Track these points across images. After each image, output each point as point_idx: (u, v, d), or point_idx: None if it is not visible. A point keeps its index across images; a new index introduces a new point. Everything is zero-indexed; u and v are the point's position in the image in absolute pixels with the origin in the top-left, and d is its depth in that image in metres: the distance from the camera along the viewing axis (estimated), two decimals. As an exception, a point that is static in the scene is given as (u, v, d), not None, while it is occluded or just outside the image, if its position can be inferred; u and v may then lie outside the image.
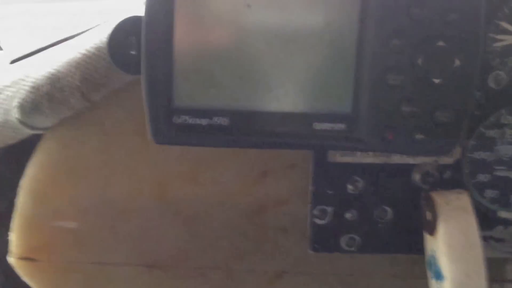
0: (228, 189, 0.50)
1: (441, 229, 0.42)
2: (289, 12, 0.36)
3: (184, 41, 0.36)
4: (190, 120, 0.37)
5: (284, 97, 0.37)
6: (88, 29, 0.48)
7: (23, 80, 0.47)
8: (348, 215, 0.48)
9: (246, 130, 0.38)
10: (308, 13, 0.36)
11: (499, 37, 0.47)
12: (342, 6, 0.36)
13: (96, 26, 0.48)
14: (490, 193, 0.49)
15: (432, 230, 0.43)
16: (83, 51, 0.44)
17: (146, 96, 0.36)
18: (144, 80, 0.36)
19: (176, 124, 0.37)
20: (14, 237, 0.48)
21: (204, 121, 0.37)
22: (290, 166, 0.49)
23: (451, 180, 0.48)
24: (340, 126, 0.37)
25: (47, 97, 0.44)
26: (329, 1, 0.36)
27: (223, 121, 0.37)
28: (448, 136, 0.37)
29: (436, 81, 0.36)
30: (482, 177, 0.49)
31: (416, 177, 0.48)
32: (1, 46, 0.56)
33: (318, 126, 0.37)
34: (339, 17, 0.36)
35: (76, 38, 0.48)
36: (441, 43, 0.35)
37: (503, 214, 0.50)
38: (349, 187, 0.48)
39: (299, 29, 0.36)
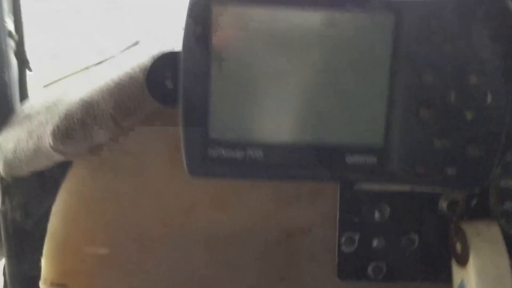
0: (255, 215, 0.50)
1: (473, 260, 0.42)
2: (323, 47, 0.37)
3: (221, 76, 0.37)
4: (225, 153, 0.38)
5: (317, 130, 0.38)
6: (110, 58, 0.49)
7: (56, 106, 0.48)
8: (375, 243, 0.49)
9: (280, 162, 0.38)
10: (341, 49, 0.37)
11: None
12: (375, 41, 0.37)
13: (125, 49, 0.49)
14: None
15: (463, 261, 0.43)
16: (116, 79, 0.45)
17: (182, 129, 0.37)
18: (181, 114, 0.37)
19: (211, 157, 0.38)
20: (45, 263, 0.49)
21: (238, 154, 0.38)
22: (317, 193, 0.50)
23: (477, 208, 0.48)
24: (372, 159, 0.38)
25: (80, 124, 0.45)
26: (361, 36, 0.37)
27: (257, 153, 0.38)
28: (480, 171, 0.37)
29: (469, 116, 0.36)
30: (509, 206, 0.49)
31: (443, 205, 0.48)
32: (30, 67, 0.57)
33: (350, 158, 0.38)
34: (372, 52, 0.37)
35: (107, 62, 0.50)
36: (473, 79, 0.36)
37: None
38: (376, 214, 0.48)
39: (332, 64, 0.37)
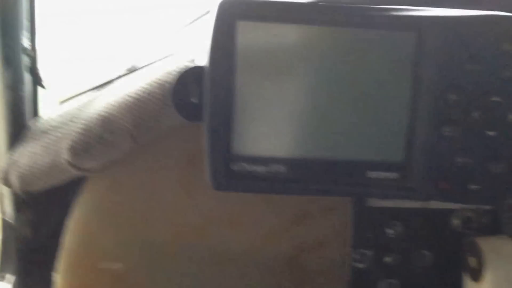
0: (267, 231, 0.50)
1: (488, 276, 0.43)
2: (347, 64, 0.38)
3: (245, 91, 0.38)
4: (248, 167, 0.38)
5: (339, 145, 0.38)
6: (124, 74, 0.49)
7: (73, 121, 0.48)
8: (387, 259, 0.49)
9: (302, 177, 0.39)
10: (364, 66, 0.38)
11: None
12: (397, 59, 0.38)
13: (141, 68, 0.50)
14: None
15: (477, 277, 0.44)
16: (134, 94, 0.45)
17: (207, 143, 0.38)
18: (206, 128, 0.38)
19: (234, 171, 0.38)
20: (60, 278, 0.48)
21: (261, 169, 0.38)
22: (329, 209, 0.50)
23: (490, 224, 0.49)
24: (393, 175, 0.39)
25: (98, 140, 0.45)
26: (384, 53, 0.37)
27: (280, 168, 0.38)
28: (502, 187, 0.38)
29: (490, 133, 0.37)
30: None
31: (455, 222, 0.49)
32: (44, 85, 0.57)
33: (371, 174, 0.39)
34: (394, 69, 0.38)
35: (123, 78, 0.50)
36: (495, 98, 0.37)
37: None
38: (388, 231, 0.49)
39: (355, 81, 0.38)
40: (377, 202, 0.48)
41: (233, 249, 0.51)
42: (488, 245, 0.44)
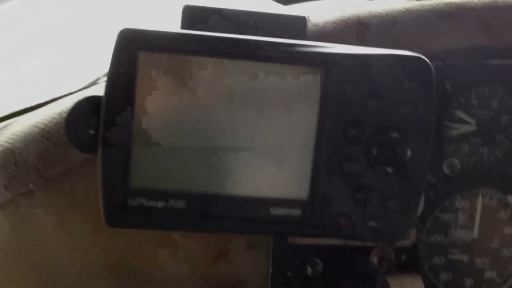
0: (187, 269, 0.48)
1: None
2: (249, 99, 0.37)
3: (144, 123, 0.36)
4: (146, 203, 0.37)
5: (241, 181, 0.37)
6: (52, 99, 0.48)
7: None
8: None
9: (203, 214, 0.37)
10: (267, 102, 0.37)
11: (454, 125, 0.49)
12: (302, 94, 0.37)
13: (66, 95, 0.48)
14: (444, 276, 0.50)
15: None
16: (41, 125, 0.43)
17: (100, 176, 0.36)
18: (100, 160, 0.36)
19: (131, 207, 0.37)
20: None
21: (160, 204, 0.37)
22: (250, 247, 0.49)
23: (407, 263, 0.48)
24: (297, 211, 0.38)
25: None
26: (288, 89, 0.37)
27: (179, 204, 0.37)
28: (400, 224, 0.37)
29: (389, 170, 0.37)
30: (437, 260, 0.50)
31: (374, 259, 0.48)
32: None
33: (274, 211, 0.37)
34: (298, 105, 0.37)
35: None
36: (394, 135, 0.37)
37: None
38: (309, 269, 0.47)
39: (258, 116, 0.37)
40: (297, 240, 0.47)
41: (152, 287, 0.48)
42: (397, 283, 0.43)
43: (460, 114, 0.49)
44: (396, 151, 0.37)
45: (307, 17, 0.41)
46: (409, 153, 0.37)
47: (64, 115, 0.43)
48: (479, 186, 0.50)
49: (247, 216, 0.37)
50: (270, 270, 0.47)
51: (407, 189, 0.37)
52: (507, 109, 0.49)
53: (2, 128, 0.46)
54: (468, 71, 0.48)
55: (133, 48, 0.36)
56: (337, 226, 0.37)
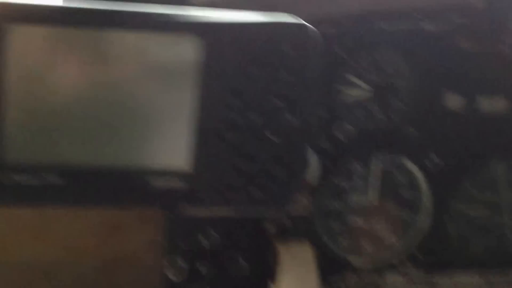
0: (80, 244, 0.47)
1: (281, 276, 0.42)
2: (127, 68, 0.35)
3: (15, 98, 0.34)
4: (21, 180, 0.34)
5: (119, 152, 0.35)
6: None
7: None
8: (203, 271, 0.47)
9: (79, 188, 0.35)
10: (147, 70, 0.35)
11: (348, 91, 0.49)
12: (182, 63, 0.35)
13: None
14: (343, 241, 0.51)
15: (273, 279, 0.43)
16: None
17: None
18: None
19: (6, 184, 0.34)
20: None
21: (35, 181, 0.34)
22: (144, 220, 0.47)
23: (304, 229, 0.48)
24: (180, 183, 0.36)
25: None
26: (168, 57, 0.35)
27: (56, 180, 0.35)
28: (284, 191, 0.37)
29: (272, 138, 0.36)
30: (334, 226, 0.50)
31: (270, 228, 0.48)
32: None
33: (155, 183, 0.36)
34: (178, 73, 0.35)
35: None
36: (277, 102, 0.36)
37: (354, 260, 0.51)
38: (204, 241, 0.47)
39: (137, 85, 0.35)
40: (190, 212, 0.46)
41: (44, 265, 0.47)
42: (284, 247, 0.44)
43: (353, 79, 0.49)
44: (279, 119, 0.36)
45: None
46: (292, 120, 0.36)
47: None
48: (374, 151, 0.50)
49: (127, 188, 0.36)
50: (164, 243, 0.46)
51: (292, 156, 0.36)
52: (401, 74, 0.49)
53: None
54: (361, 36, 0.48)
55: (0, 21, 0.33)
56: (223, 197, 0.36)
